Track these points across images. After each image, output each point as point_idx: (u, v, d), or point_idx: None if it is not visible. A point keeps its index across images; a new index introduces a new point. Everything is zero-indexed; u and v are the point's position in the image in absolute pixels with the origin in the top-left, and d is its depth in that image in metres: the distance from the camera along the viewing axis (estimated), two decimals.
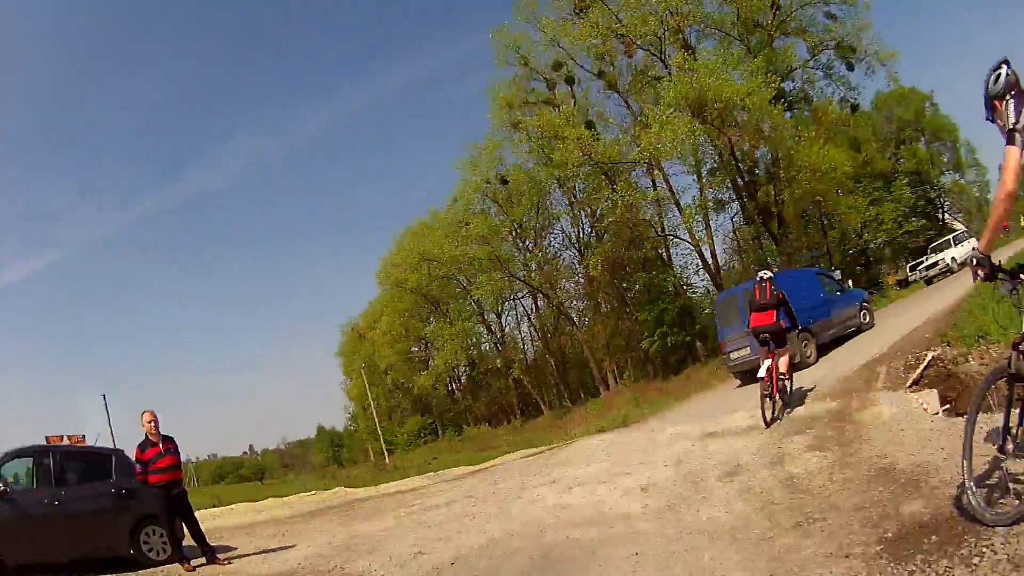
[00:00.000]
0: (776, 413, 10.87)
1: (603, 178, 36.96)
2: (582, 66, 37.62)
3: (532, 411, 52.26)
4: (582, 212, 43.60)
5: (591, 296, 46.10)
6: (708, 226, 36.81)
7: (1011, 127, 4.22)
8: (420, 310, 55.80)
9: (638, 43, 33.33)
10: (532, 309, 52.95)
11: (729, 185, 35.24)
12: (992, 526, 4.40)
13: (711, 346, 42.38)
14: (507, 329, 57.96)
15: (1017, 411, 4.48)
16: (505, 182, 42.07)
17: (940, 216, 50.68)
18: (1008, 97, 4.32)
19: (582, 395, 48.11)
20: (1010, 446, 4.48)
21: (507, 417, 55.77)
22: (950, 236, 36.28)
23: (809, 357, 16.38)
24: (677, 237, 38.73)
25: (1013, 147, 4.17)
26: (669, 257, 41.17)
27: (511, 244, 45.80)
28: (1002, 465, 4.58)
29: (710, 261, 37.01)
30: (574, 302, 49.36)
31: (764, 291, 11.70)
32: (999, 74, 4.39)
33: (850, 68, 33.55)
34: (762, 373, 11.09)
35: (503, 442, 36.12)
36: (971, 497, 4.62)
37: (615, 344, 45.46)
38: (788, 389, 11.51)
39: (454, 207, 45.84)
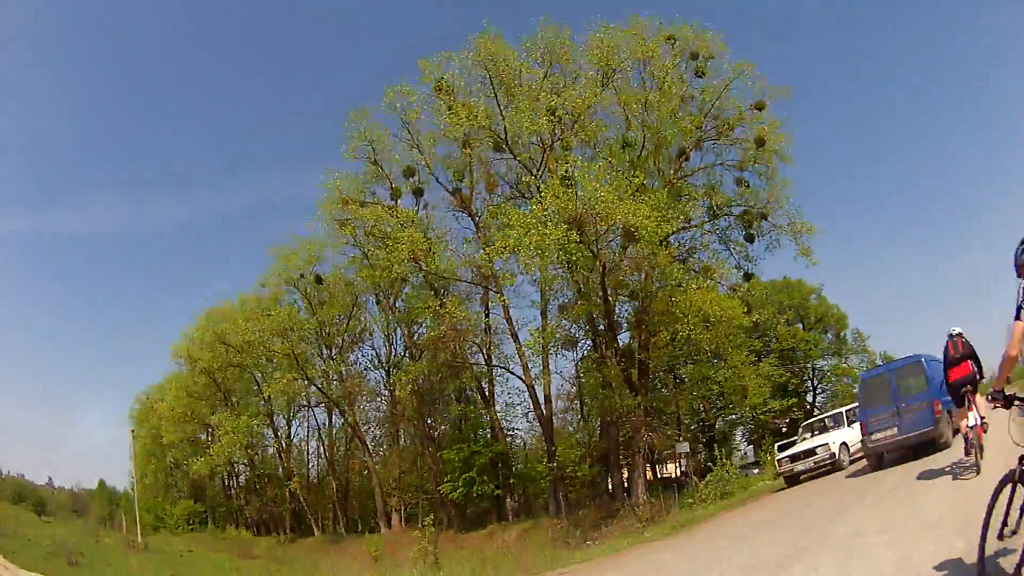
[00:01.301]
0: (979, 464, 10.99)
1: (431, 292, 32.09)
2: (436, 178, 32.52)
3: (304, 529, 48.53)
4: (398, 329, 39.69)
5: (392, 422, 41.37)
6: (547, 363, 31.38)
7: (1019, 303, 4.65)
8: (211, 394, 49.25)
9: (513, 153, 28.42)
10: (325, 424, 48.96)
11: (584, 324, 29.72)
12: None
13: (522, 503, 36.30)
14: (295, 439, 53.52)
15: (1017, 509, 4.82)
16: (320, 281, 38.00)
17: (811, 399, 47.31)
18: None
19: (359, 527, 45.02)
20: (1007, 532, 4.85)
21: (277, 528, 51.87)
22: (841, 411, 22.95)
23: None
24: (506, 370, 33.62)
25: (1019, 322, 4.63)
26: (492, 393, 35.61)
27: (314, 347, 41.33)
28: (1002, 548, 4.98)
29: (543, 405, 31.80)
30: (372, 428, 44.97)
31: (957, 345, 11.74)
32: None
33: (750, 240, 29.70)
34: (971, 423, 11.29)
35: (263, 554, 36.36)
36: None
37: (408, 482, 40.93)
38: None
39: (260, 292, 41.33)
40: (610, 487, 31.91)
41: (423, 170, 32.30)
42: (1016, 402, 4.93)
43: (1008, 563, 4.79)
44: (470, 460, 33.18)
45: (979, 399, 11.37)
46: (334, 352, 41.67)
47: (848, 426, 20.57)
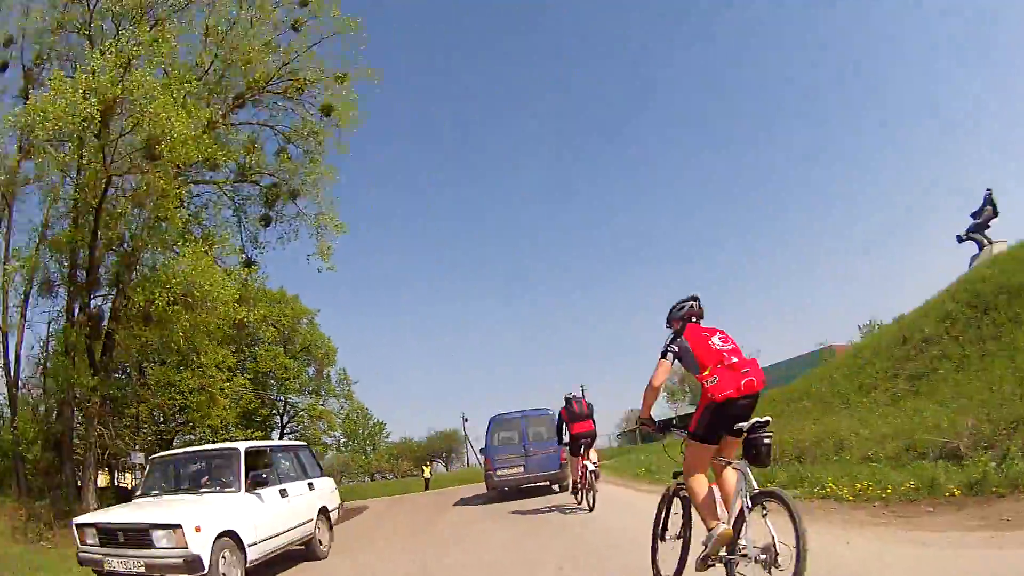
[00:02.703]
0: (594, 502, 12.98)
1: None
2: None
3: None
4: None
5: None
6: (25, 310, 24.23)
7: (665, 347, 5.34)
8: None
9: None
10: None
11: (66, 261, 23.47)
12: None
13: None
14: None
15: (678, 516, 5.74)
16: None
17: (278, 436, 43.12)
18: (676, 324, 5.62)
19: None
20: (667, 536, 5.84)
21: None
22: (236, 449, 10.60)
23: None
24: None
25: (664, 360, 5.29)
26: None
27: None
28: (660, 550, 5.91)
29: (11, 362, 24.38)
30: None
31: (582, 404, 13.80)
32: (684, 306, 5.67)
33: (266, 223, 26.01)
34: (592, 468, 13.12)
35: None
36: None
37: None
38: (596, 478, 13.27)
39: None
40: (77, 483, 24.16)
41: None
42: (671, 427, 5.72)
43: (671, 559, 5.68)
44: None
45: (594, 453, 13.59)
46: None
47: (250, 490, 10.04)
